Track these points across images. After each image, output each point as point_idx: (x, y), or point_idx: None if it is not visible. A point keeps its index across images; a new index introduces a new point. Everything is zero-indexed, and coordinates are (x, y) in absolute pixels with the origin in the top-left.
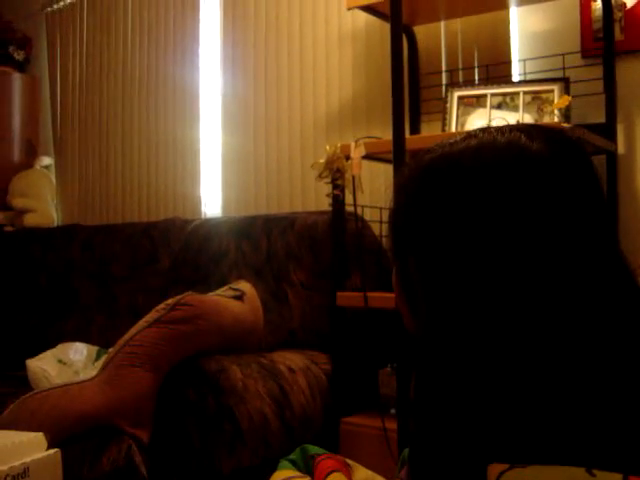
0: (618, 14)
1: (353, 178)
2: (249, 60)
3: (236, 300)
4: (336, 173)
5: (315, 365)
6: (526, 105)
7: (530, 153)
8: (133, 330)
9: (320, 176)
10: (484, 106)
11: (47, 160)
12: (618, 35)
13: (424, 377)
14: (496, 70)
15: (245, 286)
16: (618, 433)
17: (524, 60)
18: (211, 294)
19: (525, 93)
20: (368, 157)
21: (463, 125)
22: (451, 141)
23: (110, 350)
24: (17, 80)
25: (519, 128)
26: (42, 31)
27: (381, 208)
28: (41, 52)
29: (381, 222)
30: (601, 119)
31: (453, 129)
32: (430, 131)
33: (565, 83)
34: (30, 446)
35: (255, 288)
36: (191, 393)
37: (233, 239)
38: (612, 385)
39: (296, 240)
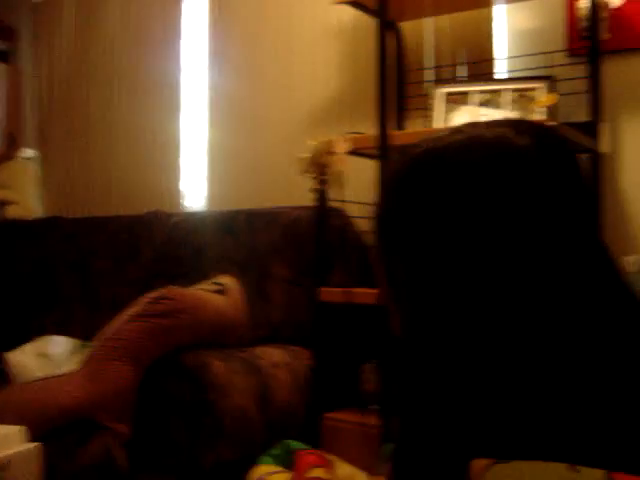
0: (604, 13)
1: (337, 173)
2: (236, 54)
3: (218, 294)
4: (320, 168)
5: (297, 360)
6: (511, 103)
7: (517, 148)
8: (115, 324)
9: (304, 171)
10: (469, 103)
11: (30, 152)
12: (604, 34)
13: (408, 375)
14: (482, 67)
15: (228, 280)
16: (601, 430)
17: (510, 58)
18: (193, 288)
19: (510, 91)
20: (353, 152)
21: (448, 122)
22: (438, 136)
23: (91, 344)
24: (0, 71)
25: (506, 123)
26: (27, 22)
27: (365, 204)
28: (25, 43)
29: (365, 218)
30: (586, 118)
31: (438, 126)
32: (415, 127)
33: (550, 81)
34: (11, 439)
35: (238, 283)
36: (172, 387)
37: (216, 233)
38: (595, 381)
39: (279, 235)
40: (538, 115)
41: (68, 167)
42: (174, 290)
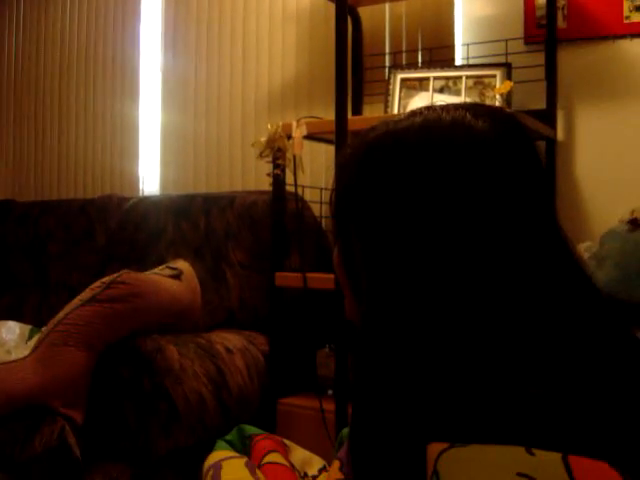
0: (561, 2)
1: (294, 158)
2: (191, 37)
3: (173, 279)
4: (277, 152)
5: (253, 346)
6: (468, 89)
7: (474, 131)
8: (67, 308)
9: (261, 155)
10: (427, 89)
11: None
12: (561, 23)
13: (363, 358)
14: (439, 54)
15: (183, 265)
16: (557, 412)
17: (467, 45)
18: (148, 273)
19: (467, 77)
20: (309, 137)
21: (405, 107)
22: (395, 119)
23: (43, 329)
24: None
25: (464, 106)
26: None
27: (321, 188)
28: None
29: (321, 203)
30: (542, 105)
31: (395, 111)
32: (372, 113)
33: (507, 69)
34: None
35: (193, 267)
36: (126, 373)
37: (171, 218)
38: (551, 363)
39: (235, 219)
40: (495, 102)
41: (21, 149)
42: (128, 274)
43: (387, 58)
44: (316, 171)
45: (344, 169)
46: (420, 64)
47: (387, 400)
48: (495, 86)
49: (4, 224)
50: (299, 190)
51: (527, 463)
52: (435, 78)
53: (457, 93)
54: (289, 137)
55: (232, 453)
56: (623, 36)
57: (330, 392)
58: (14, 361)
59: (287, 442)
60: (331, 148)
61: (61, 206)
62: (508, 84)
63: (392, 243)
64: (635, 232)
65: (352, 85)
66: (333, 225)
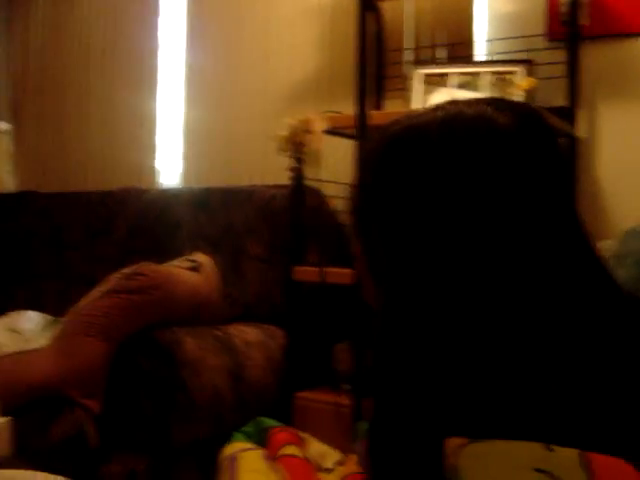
0: None
1: (314, 152)
2: (214, 31)
3: (192, 272)
4: (297, 147)
5: (271, 339)
6: (490, 86)
7: (497, 125)
8: (87, 299)
9: (281, 149)
10: (448, 85)
11: (3, 126)
12: (584, 20)
13: (383, 352)
14: (461, 49)
15: (202, 258)
16: (576, 409)
17: (489, 40)
18: (167, 265)
19: (489, 74)
20: (330, 132)
21: (426, 103)
22: (417, 113)
23: (63, 319)
24: None
25: (486, 101)
26: None
27: (341, 183)
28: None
29: (341, 198)
30: (563, 103)
31: (416, 106)
32: (393, 108)
33: (529, 65)
34: None
35: (212, 260)
36: (145, 364)
37: (190, 210)
38: (570, 359)
39: (254, 213)
40: (516, 99)
41: (42, 142)
42: (148, 266)
43: (408, 53)
44: (336, 166)
45: (366, 163)
46: (441, 60)
47: (406, 395)
48: (517, 83)
49: (25, 215)
50: (318, 184)
51: (545, 459)
52: (456, 74)
53: (478, 89)
54: (309, 132)
55: (249, 445)
56: None
57: (347, 386)
58: (33, 351)
59: (304, 435)
60: (351, 143)
61: (81, 198)
62: (530, 81)
63: (414, 236)
64: None
65: (373, 80)
66: (354, 218)
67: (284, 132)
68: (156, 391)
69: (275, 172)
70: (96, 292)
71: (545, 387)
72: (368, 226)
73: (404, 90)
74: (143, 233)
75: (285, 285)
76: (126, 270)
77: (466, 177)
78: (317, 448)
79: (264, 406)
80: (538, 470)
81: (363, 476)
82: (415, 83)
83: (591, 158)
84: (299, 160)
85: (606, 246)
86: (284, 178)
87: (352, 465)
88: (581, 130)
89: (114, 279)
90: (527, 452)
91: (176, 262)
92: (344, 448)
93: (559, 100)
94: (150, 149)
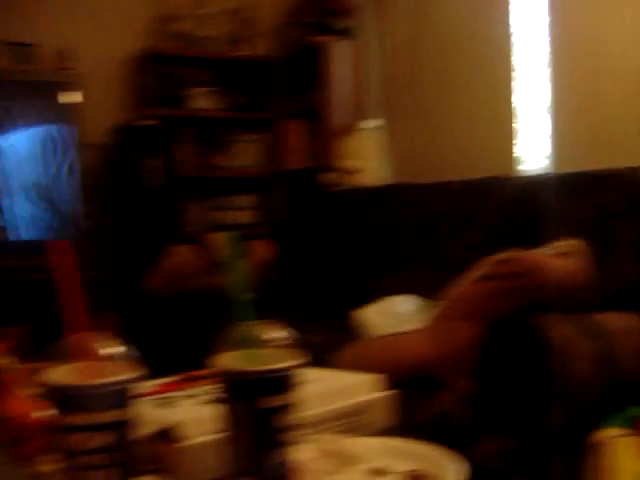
0: None
1: None
2: (579, 5)
3: (563, 257)
4: None
5: None
6: None
7: None
8: (459, 285)
9: None
10: None
11: (375, 121)
12: None
13: None
14: None
15: (573, 244)
16: None
17: None
18: (536, 251)
19: None
20: None
21: None
22: None
23: (436, 303)
24: (343, 47)
25: None
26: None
27: None
28: (367, 19)
29: None
30: None
31: None
32: None
33: None
34: (369, 386)
35: (585, 247)
36: (514, 348)
37: (558, 196)
38: None
39: (625, 197)
40: None
41: (411, 135)
42: (517, 253)
43: None
44: None
45: None
46: None
47: None
48: None
49: (396, 206)
50: None
51: None
52: None
53: None
54: None
55: (623, 431)
56: None
57: None
58: (411, 332)
59: None
60: None
61: (447, 188)
62: None
63: None
64: None
65: None
66: None
67: None
68: (526, 376)
69: None
70: (468, 278)
71: None
72: None
73: None
74: (510, 220)
75: None
76: (494, 257)
77: None
78: None
79: (634, 396)
80: None
81: None
82: None
83: None
84: None
85: None
86: None
87: None
88: None
89: (485, 265)
90: None
91: (547, 248)
92: None
93: None
94: (511, 135)
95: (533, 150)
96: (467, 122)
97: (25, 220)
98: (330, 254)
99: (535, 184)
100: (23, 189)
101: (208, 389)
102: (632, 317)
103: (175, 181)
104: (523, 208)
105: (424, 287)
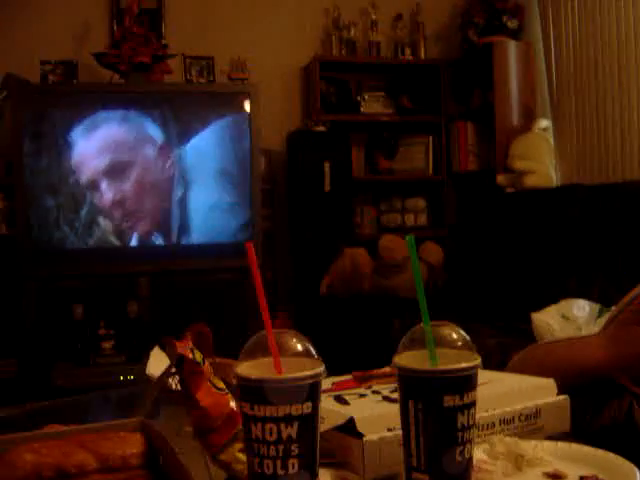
0: None
1: None
2: None
3: None
4: None
5: None
6: None
7: None
8: (637, 290)
9: None
10: None
11: (545, 123)
12: None
13: None
14: None
15: None
16: None
17: None
18: None
19: None
20: None
21: None
22: None
23: (613, 308)
24: (512, 47)
25: None
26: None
27: None
28: (534, 19)
29: None
30: None
31: None
32: None
33: None
34: (541, 390)
35: None
36: None
37: None
38: None
39: None
40: None
41: (582, 135)
42: None
43: None
44: None
45: None
46: None
47: None
48: None
49: (569, 208)
50: None
51: None
52: None
53: None
54: None
55: None
56: None
57: None
58: (586, 337)
59: None
60: None
61: (618, 189)
62: None
63: None
64: None
65: None
66: None
67: None
68: None
69: None
70: None
71: None
72: None
73: None
74: None
75: None
76: None
77: None
78: None
79: None
80: None
81: None
82: None
83: None
84: None
85: None
86: None
87: None
88: None
89: None
90: None
91: None
92: None
93: None
94: None
95: None
96: (636, 123)
97: (207, 224)
98: (505, 256)
99: None
100: (204, 192)
101: (383, 387)
102: None
103: (348, 184)
104: None
105: (602, 291)
